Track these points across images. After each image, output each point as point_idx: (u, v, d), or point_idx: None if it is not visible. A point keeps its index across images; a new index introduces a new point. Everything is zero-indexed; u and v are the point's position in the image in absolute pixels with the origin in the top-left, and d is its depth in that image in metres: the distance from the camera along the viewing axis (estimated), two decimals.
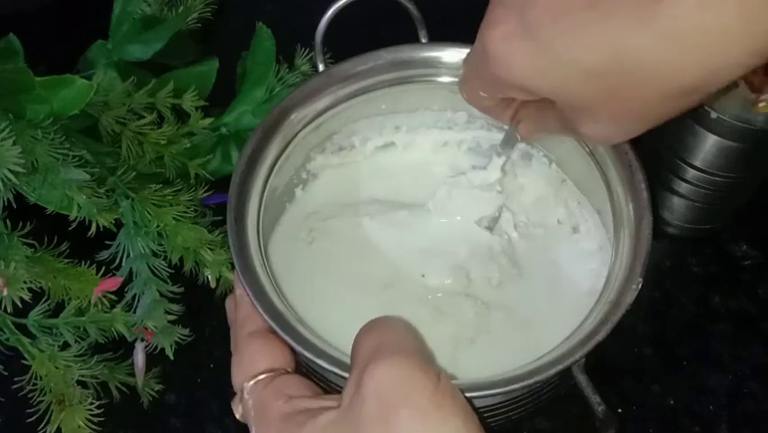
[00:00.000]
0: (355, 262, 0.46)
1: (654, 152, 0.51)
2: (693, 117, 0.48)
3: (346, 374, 0.34)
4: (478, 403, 0.36)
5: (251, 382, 0.36)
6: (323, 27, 0.46)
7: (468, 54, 0.40)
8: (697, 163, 0.50)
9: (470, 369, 0.38)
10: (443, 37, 0.47)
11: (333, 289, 0.45)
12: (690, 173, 0.51)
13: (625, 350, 0.51)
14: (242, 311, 0.39)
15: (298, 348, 0.36)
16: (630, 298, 0.37)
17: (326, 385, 0.38)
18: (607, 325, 0.37)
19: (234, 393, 0.38)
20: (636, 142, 0.41)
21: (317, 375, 0.39)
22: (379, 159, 0.51)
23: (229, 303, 0.41)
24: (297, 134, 0.45)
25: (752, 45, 0.27)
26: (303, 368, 0.39)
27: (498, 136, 0.49)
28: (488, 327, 0.44)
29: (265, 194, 0.43)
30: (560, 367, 0.36)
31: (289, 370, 0.37)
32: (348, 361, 0.34)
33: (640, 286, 0.38)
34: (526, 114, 0.40)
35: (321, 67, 0.47)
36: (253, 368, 0.37)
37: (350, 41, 0.46)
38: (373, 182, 0.50)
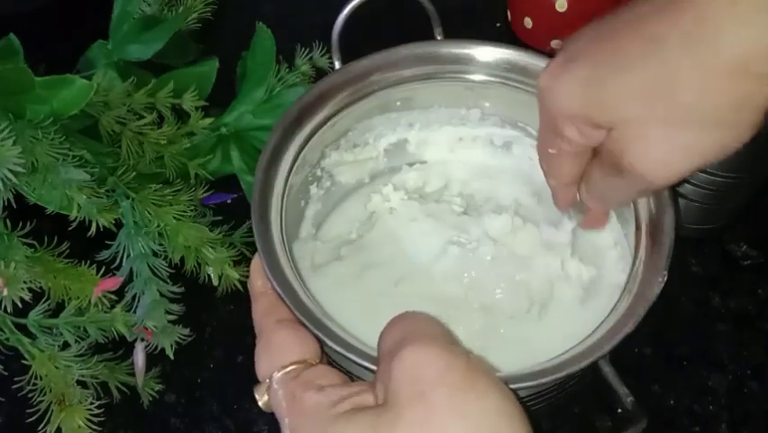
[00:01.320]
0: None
1: None
2: None
3: (374, 367, 0.34)
4: None
5: (281, 373, 0.35)
6: (339, 24, 0.46)
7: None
8: None
9: None
10: (459, 34, 0.47)
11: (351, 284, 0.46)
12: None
13: (625, 350, 0.51)
14: (266, 299, 0.39)
15: (330, 342, 0.36)
16: (657, 290, 0.38)
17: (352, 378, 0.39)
18: (634, 317, 0.37)
19: (257, 381, 0.37)
20: None
21: (343, 369, 0.39)
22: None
23: (254, 265, 0.40)
24: (315, 132, 0.45)
25: None
26: (330, 360, 0.39)
27: (510, 133, 0.49)
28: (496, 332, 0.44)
29: (285, 191, 0.43)
30: (590, 360, 0.36)
31: (317, 361, 0.37)
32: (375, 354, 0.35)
33: (665, 279, 0.38)
34: (593, 184, 0.39)
35: (338, 64, 0.47)
36: (283, 358, 0.36)
37: (367, 38, 0.46)
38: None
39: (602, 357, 0.37)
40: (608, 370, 0.37)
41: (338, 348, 0.36)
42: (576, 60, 0.34)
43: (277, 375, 0.36)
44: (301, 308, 0.38)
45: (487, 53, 0.46)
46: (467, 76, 0.47)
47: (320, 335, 0.37)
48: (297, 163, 0.44)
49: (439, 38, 0.48)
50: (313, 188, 0.49)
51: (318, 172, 0.48)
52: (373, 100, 0.47)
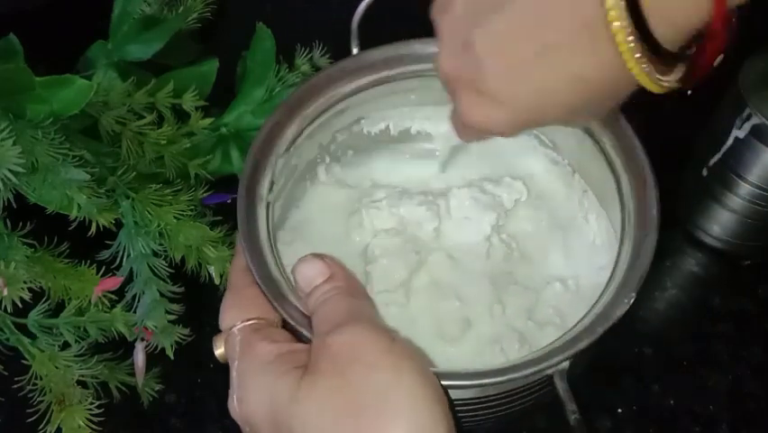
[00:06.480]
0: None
1: (705, 165, 0.51)
2: (753, 132, 0.47)
3: None
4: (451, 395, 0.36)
5: (244, 324, 0.38)
6: (362, 9, 0.45)
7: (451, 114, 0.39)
8: (752, 179, 0.49)
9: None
10: None
11: None
12: (744, 189, 0.50)
13: (625, 350, 0.51)
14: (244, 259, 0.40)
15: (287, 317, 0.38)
16: (620, 312, 0.36)
17: None
18: (591, 335, 0.36)
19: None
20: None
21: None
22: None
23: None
24: (320, 115, 0.45)
25: None
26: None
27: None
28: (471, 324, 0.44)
29: (280, 169, 0.43)
30: (534, 369, 0.35)
31: (278, 325, 0.39)
32: None
33: (632, 301, 0.37)
34: None
35: (355, 50, 0.47)
36: (249, 312, 0.39)
37: (382, 31, 0.46)
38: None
39: (556, 371, 0.35)
40: (560, 384, 0.35)
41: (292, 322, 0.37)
42: (495, 96, 0.33)
43: (239, 325, 0.38)
44: (265, 277, 0.39)
45: None
46: None
47: (278, 307, 0.38)
48: (297, 143, 0.44)
49: None
50: (320, 169, 0.49)
51: (327, 157, 0.48)
52: (384, 91, 0.47)
